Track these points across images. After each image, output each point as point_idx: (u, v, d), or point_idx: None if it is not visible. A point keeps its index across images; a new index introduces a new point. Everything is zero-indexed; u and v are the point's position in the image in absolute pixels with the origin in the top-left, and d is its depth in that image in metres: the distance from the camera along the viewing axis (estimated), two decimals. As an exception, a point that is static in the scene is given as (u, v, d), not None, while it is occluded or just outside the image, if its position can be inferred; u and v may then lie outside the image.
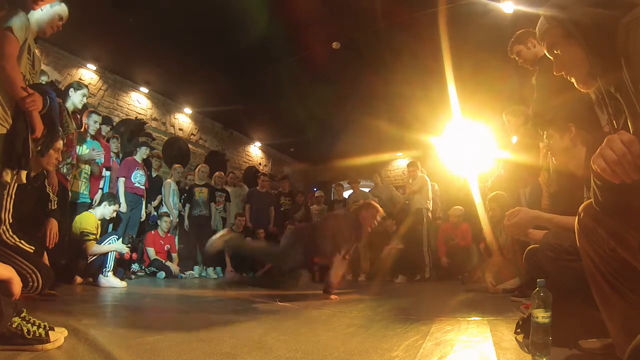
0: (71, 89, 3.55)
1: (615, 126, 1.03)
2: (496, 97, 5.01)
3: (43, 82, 3.66)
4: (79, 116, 3.93)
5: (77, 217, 3.78)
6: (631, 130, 0.93)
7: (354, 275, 6.26)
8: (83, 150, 3.90)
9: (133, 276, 4.82)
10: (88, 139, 4.02)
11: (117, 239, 3.84)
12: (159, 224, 5.50)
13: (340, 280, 3.39)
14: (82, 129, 3.97)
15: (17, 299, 1.24)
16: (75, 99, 3.54)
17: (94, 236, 3.77)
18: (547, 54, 1.17)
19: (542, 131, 1.78)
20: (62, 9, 2.16)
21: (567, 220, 1.52)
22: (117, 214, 4.30)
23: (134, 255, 5.12)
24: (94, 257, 3.69)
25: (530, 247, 1.88)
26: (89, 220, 3.79)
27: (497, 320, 2.11)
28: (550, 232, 1.61)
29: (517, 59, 2.79)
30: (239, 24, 4.80)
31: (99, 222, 3.96)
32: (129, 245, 4.00)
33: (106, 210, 4.01)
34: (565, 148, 1.68)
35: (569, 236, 1.42)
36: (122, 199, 4.70)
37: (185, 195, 5.99)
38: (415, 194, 6.04)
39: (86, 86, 3.77)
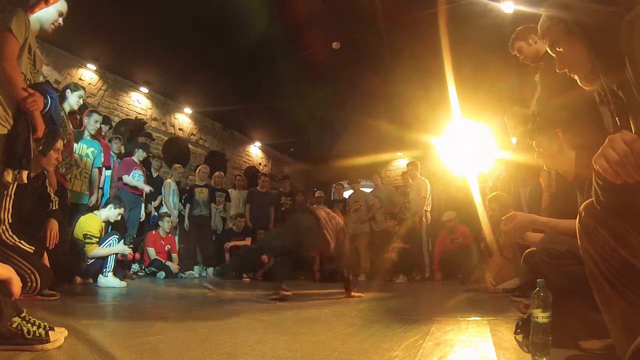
0: (68, 90, 3.54)
1: (618, 124, 1.02)
2: (496, 97, 5.00)
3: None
4: (78, 116, 3.92)
5: (82, 219, 3.73)
6: (633, 129, 0.92)
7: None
8: (82, 149, 3.90)
9: (135, 276, 4.81)
10: (87, 137, 4.01)
11: (118, 239, 3.83)
12: (160, 224, 5.50)
13: None
14: (82, 128, 3.97)
15: (17, 298, 1.24)
16: (72, 100, 3.52)
17: (97, 239, 3.73)
18: (549, 51, 1.16)
19: (531, 140, 1.76)
20: (61, 4, 2.14)
21: (563, 224, 1.52)
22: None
23: (137, 256, 5.12)
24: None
25: (529, 249, 1.87)
26: (93, 223, 3.75)
27: (497, 320, 2.10)
28: (546, 237, 1.60)
29: (518, 55, 2.74)
30: (239, 24, 4.80)
31: (103, 224, 3.94)
32: (131, 246, 4.00)
33: (111, 213, 4.00)
34: (554, 154, 1.66)
35: (565, 240, 1.42)
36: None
37: (185, 195, 6.00)
38: (415, 195, 6.04)
39: (83, 88, 3.74)
